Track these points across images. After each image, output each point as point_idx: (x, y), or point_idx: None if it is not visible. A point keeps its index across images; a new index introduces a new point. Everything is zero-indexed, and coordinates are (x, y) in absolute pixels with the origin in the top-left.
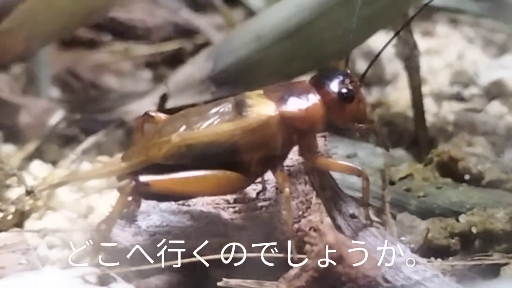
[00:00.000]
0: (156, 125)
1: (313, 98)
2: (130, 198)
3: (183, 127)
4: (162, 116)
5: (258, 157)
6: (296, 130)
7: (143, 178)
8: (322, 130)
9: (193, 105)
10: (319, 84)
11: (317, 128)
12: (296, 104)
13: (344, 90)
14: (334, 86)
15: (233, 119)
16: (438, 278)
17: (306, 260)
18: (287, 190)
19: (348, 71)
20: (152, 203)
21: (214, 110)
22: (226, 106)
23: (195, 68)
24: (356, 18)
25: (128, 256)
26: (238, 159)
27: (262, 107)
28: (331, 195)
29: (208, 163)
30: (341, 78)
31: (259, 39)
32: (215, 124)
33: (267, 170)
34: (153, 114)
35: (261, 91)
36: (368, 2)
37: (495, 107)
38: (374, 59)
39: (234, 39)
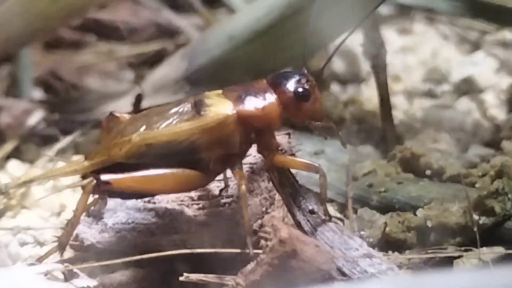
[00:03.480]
0: (119, 125)
1: (270, 97)
2: (96, 196)
3: (144, 127)
4: (126, 116)
5: (217, 156)
6: (253, 129)
7: (104, 177)
8: (279, 128)
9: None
10: (276, 84)
11: (273, 126)
12: (253, 103)
13: (300, 89)
14: (291, 85)
15: (191, 119)
16: (392, 271)
17: (261, 255)
18: (243, 188)
19: (305, 71)
20: (119, 200)
21: (174, 110)
22: (186, 106)
23: (171, 68)
24: (321, 19)
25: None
26: (197, 157)
27: (219, 107)
28: (290, 192)
29: (168, 162)
30: (297, 77)
31: (231, 39)
32: (174, 123)
33: (226, 168)
34: (117, 114)
35: (220, 91)
36: (335, 2)
37: (464, 103)
38: (329, 58)
39: (208, 39)
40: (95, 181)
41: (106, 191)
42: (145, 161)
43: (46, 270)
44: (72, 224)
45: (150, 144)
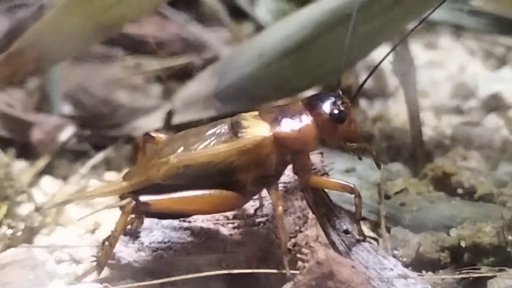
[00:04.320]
0: (156, 146)
1: (306, 119)
2: (132, 216)
3: (181, 148)
4: (162, 136)
5: (253, 177)
6: (290, 150)
7: (143, 198)
8: (315, 149)
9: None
10: (311, 106)
11: (309, 147)
12: (289, 125)
13: (335, 111)
14: (326, 107)
15: (229, 140)
16: None
17: (298, 276)
18: (280, 209)
19: (340, 92)
20: (155, 219)
21: (211, 131)
22: (223, 128)
23: (201, 84)
24: (353, 35)
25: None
26: (234, 178)
27: (256, 128)
28: (325, 211)
29: (205, 183)
30: (332, 99)
31: (261, 56)
32: (211, 145)
33: (262, 188)
34: (153, 134)
35: (256, 113)
36: (367, 19)
37: (492, 120)
38: (366, 79)
39: (238, 56)
40: (134, 202)
41: (144, 211)
42: (183, 182)
43: None
44: (110, 244)
45: (188, 165)
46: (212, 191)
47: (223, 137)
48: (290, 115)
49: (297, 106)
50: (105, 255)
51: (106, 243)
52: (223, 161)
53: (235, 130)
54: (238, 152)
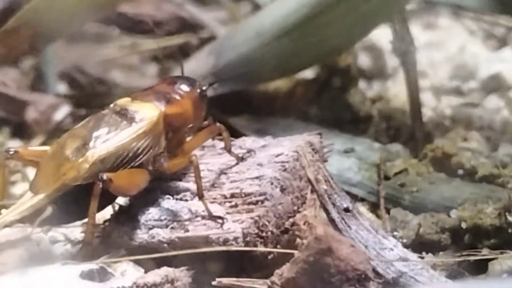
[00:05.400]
0: (48, 154)
1: (183, 96)
2: None
3: (90, 144)
4: (28, 149)
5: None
6: (173, 127)
7: (105, 176)
8: (191, 124)
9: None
10: (179, 85)
11: (188, 122)
12: (172, 103)
13: (204, 89)
14: (194, 86)
15: (129, 126)
16: (428, 272)
17: (297, 253)
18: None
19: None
20: (151, 198)
21: (100, 124)
22: (111, 119)
23: (198, 63)
24: (352, 15)
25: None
26: (141, 161)
27: (146, 110)
28: (325, 189)
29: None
30: (194, 80)
31: (259, 36)
32: (114, 136)
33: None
34: (18, 149)
35: (129, 99)
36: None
37: (493, 101)
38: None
39: (236, 35)
40: (100, 184)
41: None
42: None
43: (81, 270)
44: (90, 225)
45: (103, 159)
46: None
47: (120, 126)
48: (167, 94)
49: (167, 87)
50: (89, 235)
51: (85, 225)
52: (132, 147)
53: (129, 116)
54: (143, 134)
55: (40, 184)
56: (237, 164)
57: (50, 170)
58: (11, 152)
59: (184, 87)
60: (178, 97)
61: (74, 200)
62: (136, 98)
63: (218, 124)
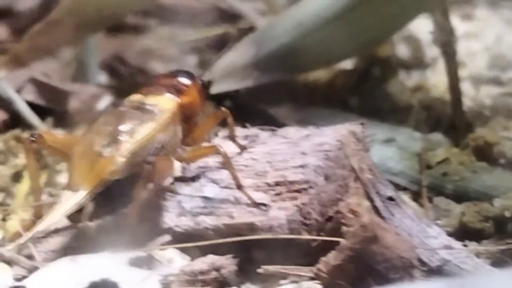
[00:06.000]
0: (76, 153)
1: (190, 87)
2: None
3: (121, 139)
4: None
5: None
6: (185, 116)
7: (151, 159)
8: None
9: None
10: (183, 78)
11: (198, 111)
12: (183, 94)
13: (205, 80)
14: (196, 78)
15: (152, 119)
16: (472, 260)
17: (342, 241)
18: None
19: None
20: (196, 185)
21: (125, 120)
22: (131, 113)
23: (238, 54)
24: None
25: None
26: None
27: (163, 102)
28: (370, 178)
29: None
30: (194, 73)
31: (300, 26)
32: (142, 127)
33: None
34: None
35: (139, 95)
36: None
37: None
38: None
39: (276, 26)
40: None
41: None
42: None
43: (129, 258)
44: (135, 213)
45: (136, 152)
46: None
47: (143, 119)
48: (175, 87)
49: (171, 80)
50: (133, 221)
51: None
52: (158, 138)
53: (149, 109)
54: (166, 125)
55: (78, 182)
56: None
57: (85, 168)
58: (35, 136)
59: (187, 79)
60: (186, 88)
61: (112, 194)
62: (148, 93)
63: (223, 108)
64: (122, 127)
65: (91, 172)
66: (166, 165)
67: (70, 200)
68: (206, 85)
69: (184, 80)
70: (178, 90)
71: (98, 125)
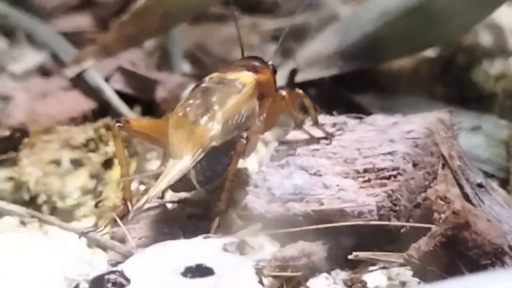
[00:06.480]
0: (172, 124)
1: (265, 68)
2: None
3: (214, 108)
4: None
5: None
6: (260, 94)
7: (246, 134)
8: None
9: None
10: (255, 62)
11: (272, 91)
12: (260, 73)
13: (274, 65)
14: (267, 63)
15: (238, 91)
16: None
17: (434, 227)
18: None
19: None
20: (285, 172)
21: (213, 93)
22: (217, 87)
23: (323, 43)
24: None
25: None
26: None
27: (244, 77)
28: (459, 165)
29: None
30: (261, 58)
31: (383, 15)
32: (230, 98)
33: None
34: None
35: (218, 73)
36: None
37: None
38: None
39: (361, 15)
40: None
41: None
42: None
43: (223, 243)
44: (227, 192)
45: (228, 120)
46: None
47: (228, 92)
48: (252, 66)
49: (247, 61)
50: (225, 204)
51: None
52: (243, 109)
53: (232, 84)
54: (248, 97)
55: (180, 150)
56: (329, 139)
57: (185, 137)
58: (122, 122)
59: (261, 62)
60: (260, 68)
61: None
62: (226, 71)
63: (297, 90)
64: (211, 99)
65: (191, 139)
66: (254, 140)
67: (176, 167)
68: (276, 69)
69: (257, 61)
70: (254, 69)
71: (187, 101)
